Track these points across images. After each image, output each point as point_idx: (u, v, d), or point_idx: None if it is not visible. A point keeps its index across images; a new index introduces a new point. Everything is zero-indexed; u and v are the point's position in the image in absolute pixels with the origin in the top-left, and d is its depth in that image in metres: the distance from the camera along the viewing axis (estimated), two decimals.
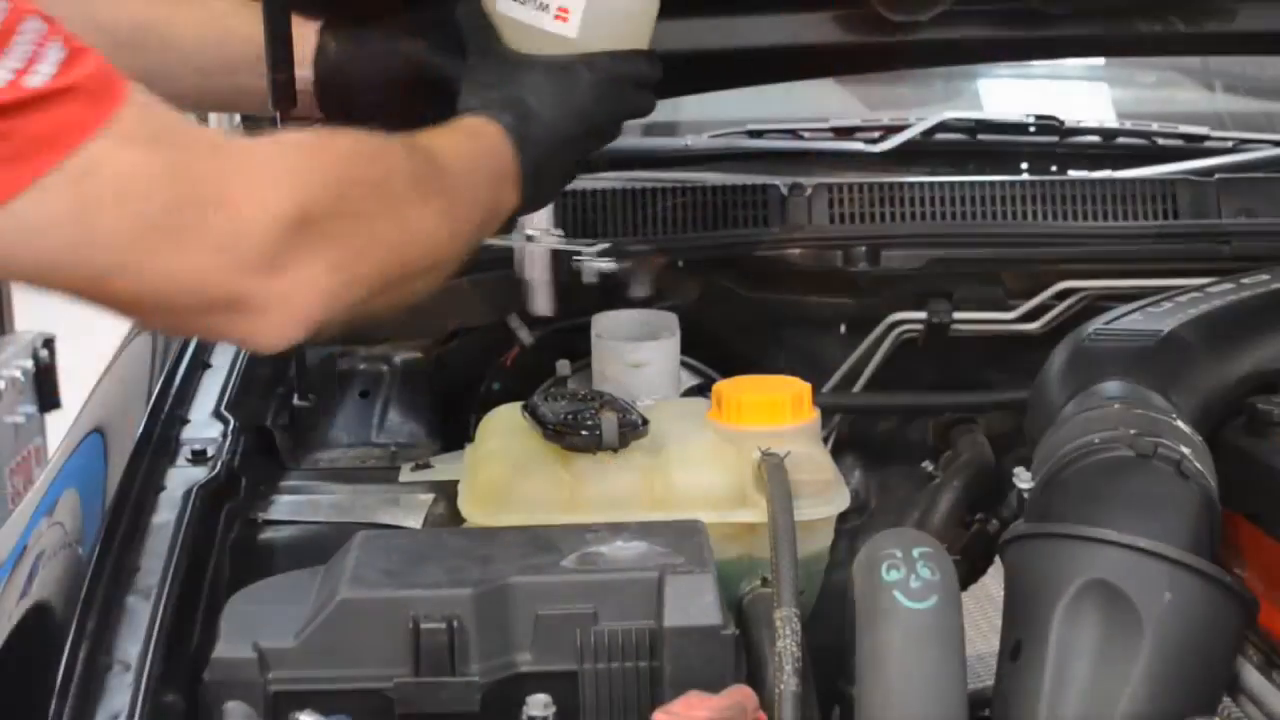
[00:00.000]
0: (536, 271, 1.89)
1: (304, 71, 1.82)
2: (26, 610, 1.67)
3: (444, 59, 1.78)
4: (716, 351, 2.23)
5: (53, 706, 1.46)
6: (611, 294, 2.14)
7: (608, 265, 2.09)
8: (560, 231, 1.97)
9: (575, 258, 2.03)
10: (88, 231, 1.25)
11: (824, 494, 1.71)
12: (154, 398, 1.96)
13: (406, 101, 1.74)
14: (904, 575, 1.47)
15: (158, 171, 1.27)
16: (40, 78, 1.20)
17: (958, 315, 2.22)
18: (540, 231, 1.88)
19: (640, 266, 2.14)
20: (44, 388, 4.02)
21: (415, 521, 1.84)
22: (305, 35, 1.83)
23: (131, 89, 1.27)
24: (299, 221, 1.34)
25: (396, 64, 1.82)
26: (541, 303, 1.90)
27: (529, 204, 1.68)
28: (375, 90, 1.82)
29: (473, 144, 1.63)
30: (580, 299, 2.09)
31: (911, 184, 2.30)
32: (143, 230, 1.27)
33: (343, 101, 1.78)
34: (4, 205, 1.21)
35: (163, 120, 1.30)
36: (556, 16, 1.66)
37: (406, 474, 1.97)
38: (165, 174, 1.27)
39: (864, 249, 2.22)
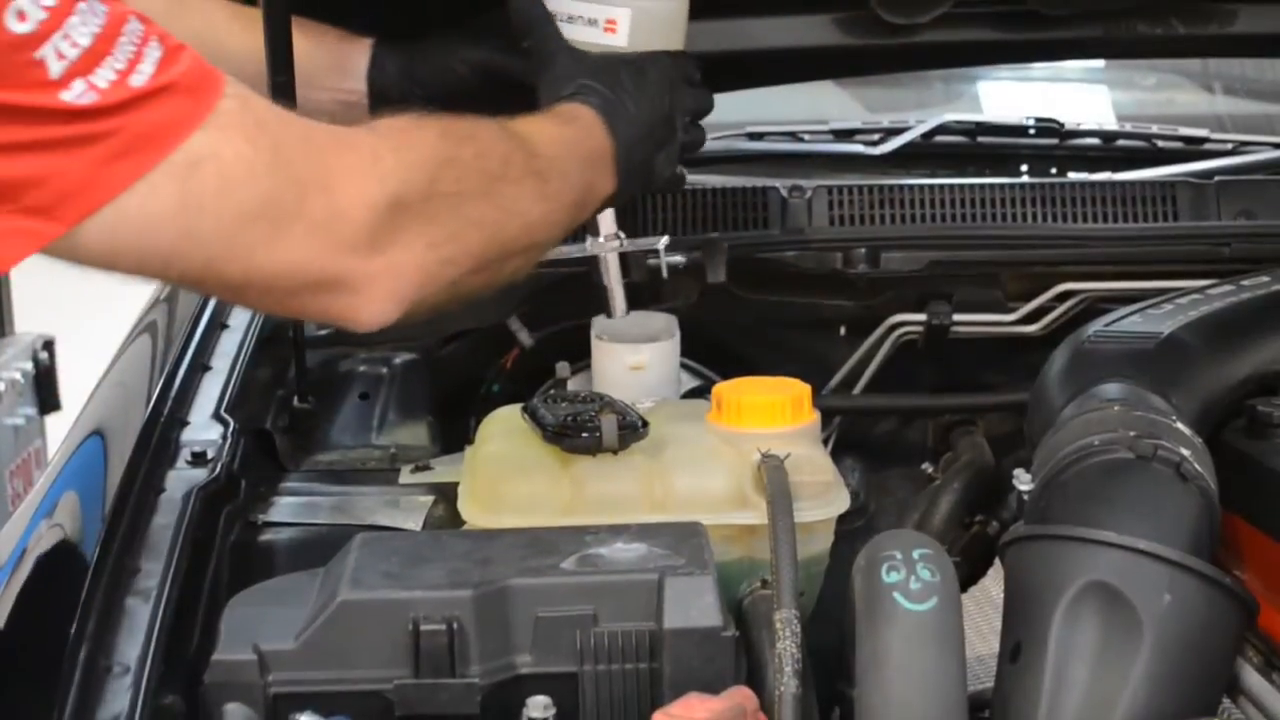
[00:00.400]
0: (613, 276, 1.93)
1: (356, 84, 1.87)
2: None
3: (511, 59, 1.83)
4: (716, 353, 2.23)
5: (54, 709, 1.46)
6: (689, 283, 2.15)
7: (682, 257, 2.11)
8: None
9: (651, 258, 2.06)
10: (194, 222, 1.30)
11: (824, 496, 1.71)
12: (154, 400, 1.96)
13: (463, 109, 1.77)
14: (904, 577, 1.47)
15: (259, 161, 1.32)
16: (142, 77, 1.25)
17: (958, 317, 2.22)
18: (612, 235, 1.92)
19: (713, 253, 2.15)
20: (44, 390, 4.00)
21: (415, 523, 1.84)
22: (357, 50, 1.88)
23: (227, 82, 1.32)
24: (394, 203, 1.40)
25: (454, 74, 1.87)
26: (619, 306, 1.95)
27: (622, 190, 1.72)
28: (434, 100, 1.85)
29: (567, 128, 1.68)
30: (660, 293, 2.10)
31: (911, 186, 2.31)
32: (246, 218, 1.32)
33: (400, 113, 1.81)
34: (112, 201, 1.26)
35: (259, 111, 1.35)
36: (605, 29, 1.77)
37: (406, 476, 1.97)
38: (266, 163, 1.32)
39: (864, 251, 2.22)
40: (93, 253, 1.29)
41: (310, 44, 1.85)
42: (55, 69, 1.21)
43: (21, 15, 1.19)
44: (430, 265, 1.45)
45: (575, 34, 1.78)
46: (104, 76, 1.23)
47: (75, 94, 1.22)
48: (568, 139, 1.67)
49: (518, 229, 1.56)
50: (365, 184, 1.39)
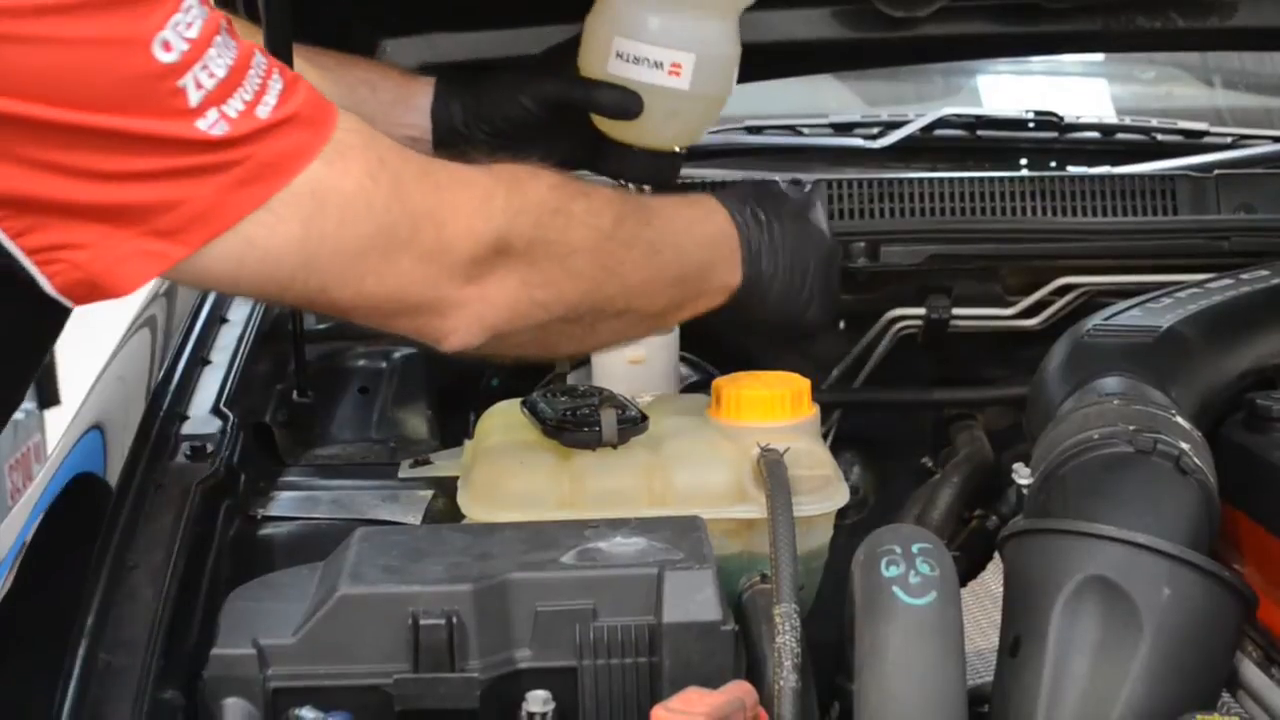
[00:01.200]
0: None
1: (420, 120, 1.91)
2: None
3: (575, 92, 1.87)
4: (715, 348, 2.23)
5: (53, 703, 1.46)
6: None
7: None
8: None
9: None
10: (315, 250, 1.38)
11: (823, 490, 1.71)
12: (153, 394, 1.96)
13: (527, 144, 1.82)
14: (903, 571, 1.47)
15: (378, 195, 1.40)
16: (267, 109, 1.33)
17: (957, 311, 2.21)
18: None
19: None
20: (43, 384, 4.01)
21: (414, 518, 1.84)
22: (421, 87, 1.93)
23: (339, 114, 1.39)
24: (498, 241, 1.49)
25: (519, 109, 1.90)
26: None
27: (752, 282, 1.76)
28: (498, 136, 1.90)
29: (689, 209, 1.75)
30: None
31: (911, 180, 2.30)
32: (363, 248, 1.41)
33: (464, 149, 1.84)
34: (237, 228, 1.33)
35: (380, 148, 1.43)
36: (670, 72, 1.82)
37: (405, 470, 1.97)
38: (384, 195, 1.41)
39: (863, 245, 2.21)
40: (217, 276, 1.37)
41: (374, 80, 1.89)
42: (194, 98, 1.28)
43: (167, 46, 1.26)
44: (521, 303, 1.53)
45: (640, 75, 1.83)
46: (234, 107, 1.31)
47: (209, 123, 1.29)
48: (688, 217, 1.73)
49: (616, 289, 1.62)
50: (474, 220, 1.47)
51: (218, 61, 1.30)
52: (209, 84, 1.29)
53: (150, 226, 1.30)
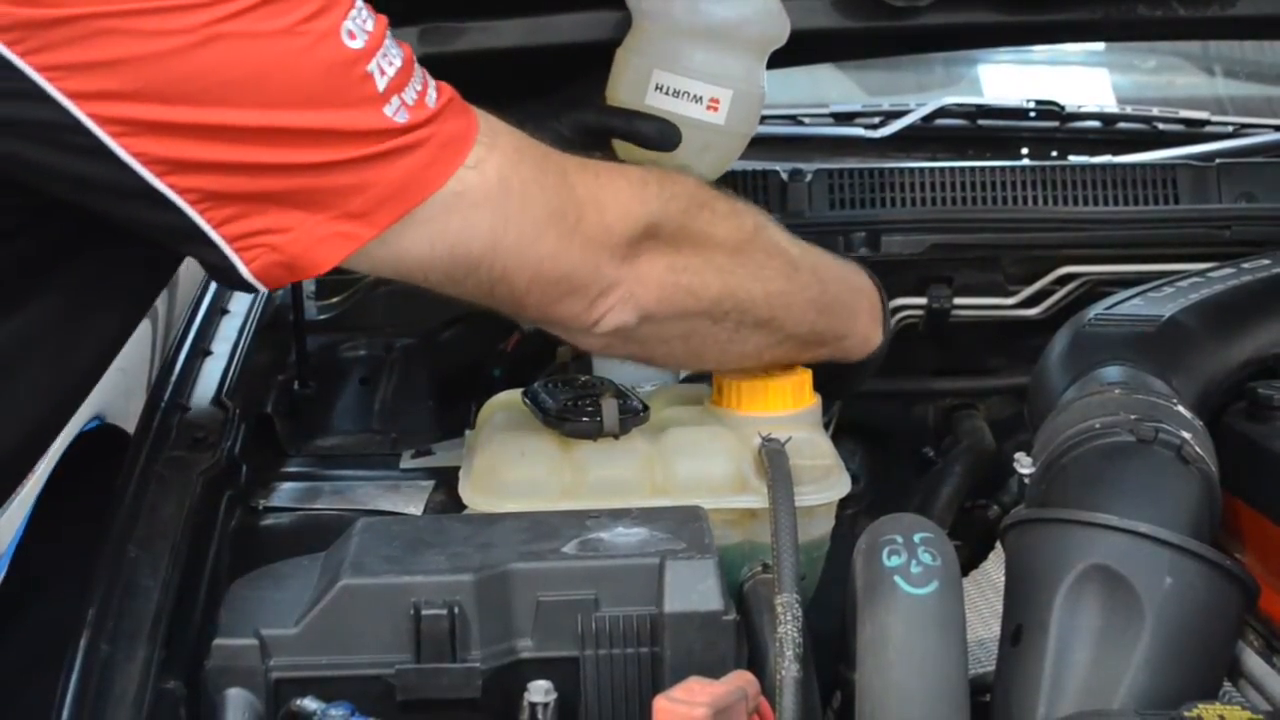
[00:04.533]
0: None
1: None
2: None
3: (614, 121, 1.88)
4: None
5: (56, 694, 1.47)
6: None
7: None
8: None
9: None
10: (500, 233, 1.46)
11: (825, 480, 1.71)
12: (154, 385, 1.96)
13: None
14: (905, 561, 1.47)
15: (548, 180, 1.49)
16: (431, 98, 1.42)
17: (958, 301, 2.21)
18: None
19: None
20: None
21: (416, 508, 1.84)
22: None
23: (473, 108, 1.47)
24: (650, 224, 1.56)
25: (559, 138, 1.89)
26: None
27: (884, 348, 1.83)
28: None
29: (832, 256, 1.80)
30: None
31: (911, 169, 2.30)
32: (540, 231, 1.49)
33: None
34: (423, 209, 1.41)
35: (542, 146, 1.52)
36: (709, 108, 1.86)
37: (407, 461, 1.98)
38: (554, 182, 1.50)
39: (864, 234, 2.21)
40: (410, 263, 1.44)
41: None
42: (381, 83, 1.37)
43: (351, 34, 1.35)
44: (667, 285, 1.58)
45: (678, 108, 1.86)
46: (409, 96, 1.39)
47: (394, 110, 1.38)
48: (831, 258, 1.79)
49: (760, 295, 1.66)
50: (630, 204, 1.55)
51: (393, 53, 1.38)
52: (390, 71, 1.37)
53: (343, 209, 1.37)
